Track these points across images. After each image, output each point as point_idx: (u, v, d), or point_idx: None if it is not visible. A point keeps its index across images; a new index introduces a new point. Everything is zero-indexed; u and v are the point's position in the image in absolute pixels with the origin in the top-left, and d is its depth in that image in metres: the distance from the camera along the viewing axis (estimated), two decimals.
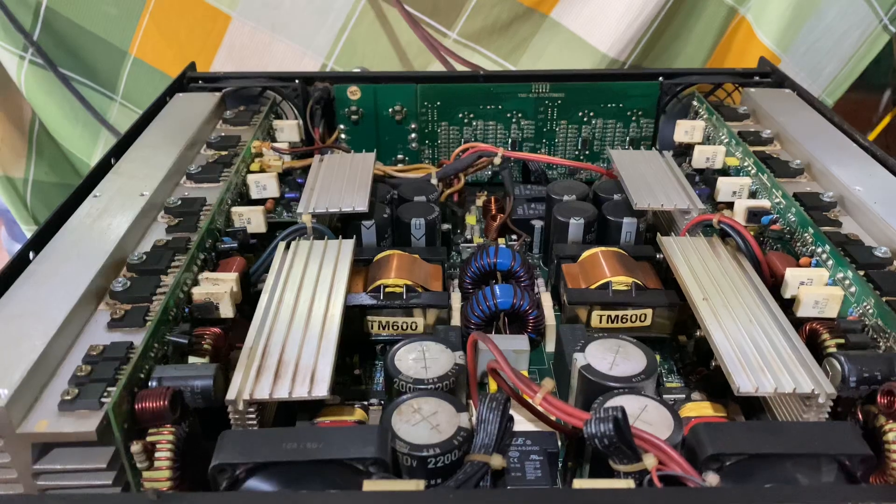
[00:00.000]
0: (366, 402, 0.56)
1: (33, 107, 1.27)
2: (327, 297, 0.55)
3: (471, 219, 0.85)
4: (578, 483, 0.41)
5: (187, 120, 0.80)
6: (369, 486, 0.40)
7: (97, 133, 1.31)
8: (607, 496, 0.36)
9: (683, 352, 0.65)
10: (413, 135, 0.92)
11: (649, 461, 0.42)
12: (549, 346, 0.65)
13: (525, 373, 0.61)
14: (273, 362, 0.48)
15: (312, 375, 0.47)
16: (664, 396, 0.56)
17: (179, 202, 0.65)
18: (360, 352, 0.63)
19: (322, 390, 0.46)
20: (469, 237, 0.81)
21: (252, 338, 0.51)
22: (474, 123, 0.92)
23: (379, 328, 0.63)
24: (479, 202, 0.88)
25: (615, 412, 0.42)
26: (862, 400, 0.49)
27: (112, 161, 0.71)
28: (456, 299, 0.68)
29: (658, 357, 0.63)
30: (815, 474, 0.43)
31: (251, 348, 0.50)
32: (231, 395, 0.46)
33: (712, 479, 0.42)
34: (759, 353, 0.49)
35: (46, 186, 1.37)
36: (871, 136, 1.90)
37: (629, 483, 0.41)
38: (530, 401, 0.47)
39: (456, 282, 0.70)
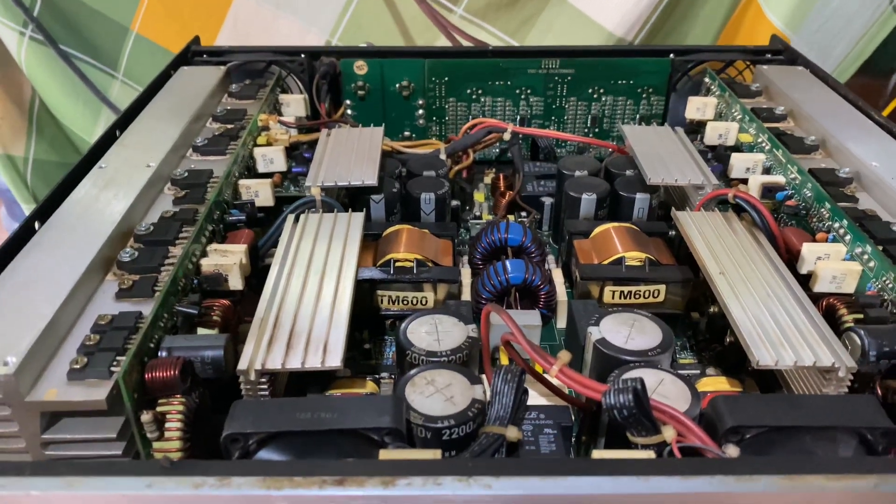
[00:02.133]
0: (377, 376, 0.55)
1: (33, 84, 1.25)
2: (338, 269, 0.54)
3: (479, 196, 0.84)
4: (597, 454, 0.40)
5: (192, 93, 0.79)
6: (385, 455, 0.39)
7: (98, 111, 1.29)
8: (628, 466, 0.35)
9: (696, 328, 0.64)
10: (420, 111, 0.91)
11: (669, 433, 0.42)
12: (561, 322, 0.64)
13: None
14: (285, 333, 0.47)
15: (325, 346, 0.46)
16: (680, 371, 0.55)
17: (186, 174, 0.64)
18: (369, 327, 0.63)
19: (335, 360, 0.45)
20: (478, 214, 0.80)
21: (263, 309, 0.50)
22: (482, 100, 0.90)
23: (389, 303, 0.62)
24: (488, 179, 0.87)
25: (634, 383, 0.42)
26: (881, 374, 0.49)
27: (117, 133, 0.70)
28: (466, 275, 0.67)
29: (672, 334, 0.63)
30: (836, 447, 0.43)
31: (262, 319, 0.49)
32: (243, 364, 0.45)
33: (732, 451, 0.41)
34: (777, 326, 0.49)
35: (47, 165, 1.36)
36: (890, 107, 1.89)
37: (650, 454, 0.40)
38: (546, 373, 0.46)
39: (466, 257, 0.69)
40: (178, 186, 0.63)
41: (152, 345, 0.46)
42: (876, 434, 0.42)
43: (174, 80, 0.83)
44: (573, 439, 0.52)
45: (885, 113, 1.96)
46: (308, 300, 0.51)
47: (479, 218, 0.79)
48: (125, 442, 0.43)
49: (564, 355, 0.47)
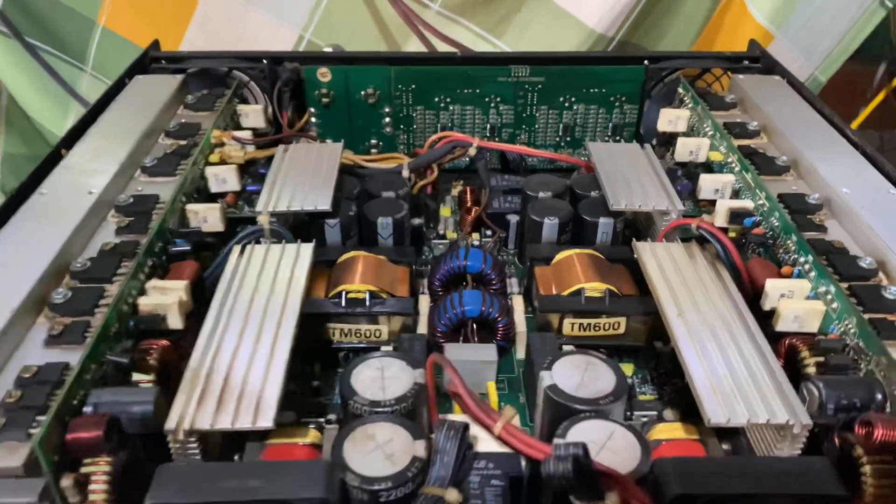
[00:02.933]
0: (322, 420, 0.53)
1: (1, 78, 1.22)
2: (280, 310, 0.52)
3: (445, 210, 0.82)
4: None
5: (146, 106, 0.76)
6: None
7: (67, 105, 1.26)
8: None
9: (660, 359, 0.62)
10: (387, 119, 0.88)
11: (612, 500, 0.40)
12: (521, 352, 0.62)
13: (492, 384, 0.58)
14: (217, 386, 0.45)
15: (258, 404, 0.44)
16: (635, 413, 0.54)
17: (131, 200, 0.62)
18: (321, 359, 0.61)
19: (266, 421, 0.43)
20: (442, 232, 0.78)
21: (197, 357, 0.48)
22: (451, 108, 0.88)
23: (341, 335, 0.60)
24: (455, 192, 0.85)
25: (576, 450, 0.40)
26: (840, 426, 0.47)
27: (62, 152, 0.67)
28: (425, 303, 0.65)
29: (632, 366, 0.61)
30: None
31: (195, 369, 0.47)
32: (171, 423, 0.43)
33: None
34: (733, 377, 0.47)
35: (18, 159, 1.33)
36: (867, 111, 1.87)
37: None
38: (489, 431, 0.45)
39: (426, 281, 0.67)
40: (122, 214, 0.61)
41: (76, 402, 0.44)
42: (827, 501, 0.40)
43: (128, 91, 0.80)
44: (525, 486, 0.50)
45: (874, 103, 1.93)
46: (245, 349, 0.48)
47: (444, 237, 0.77)
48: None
49: (508, 411, 0.45)
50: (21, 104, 1.29)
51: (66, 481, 0.41)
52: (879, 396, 0.46)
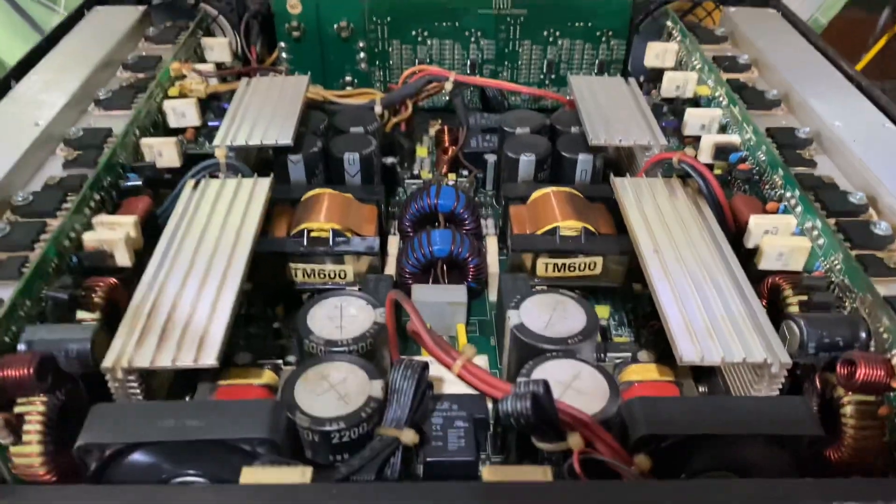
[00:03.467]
0: (281, 361, 0.51)
1: None
2: (231, 247, 0.49)
3: (422, 150, 0.78)
4: (487, 473, 0.36)
5: (103, 37, 0.72)
6: (248, 474, 0.35)
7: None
8: (507, 495, 0.31)
9: (638, 301, 0.59)
10: (362, 54, 0.84)
11: (574, 441, 0.38)
12: (493, 294, 0.60)
13: (462, 326, 0.56)
14: (160, 323, 0.43)
15: (202, 340, 0.41)
16: (609, 354, 0.51)
17: (81, 133, 0.58)
18: (284, 301, 0.58)
19: (210, 358, 0.40)
20: (417, 172, 0.74)
21: (140, 294, 0.45)
22: (429, 42, 0.83)
23: (304, 276, 0.57)
24: (432, 131, 0.81)
25: (536, 387, 0.38)
26: (822, 366, 0.44)
27: (12, 83, 0.64)
28: (395, 244, 0.62)
29: (608, 308, 0.59)
30: (760, 454, 0.39)
31: (137, 307, 0.44)
32: (108, 362, 0.41)
33: (643, 462, 0.37)
34: (709, 316, 0.44)
35: None
36: (867, 57, 1.81)
37: (546, 472, 0.36)
38: (448, 370, 0.42)
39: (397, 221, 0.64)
40: (71, 147, 0.57)
41: (8, 338, 0.41)
42: (803, 441, 0.38)
43: (85, 22, 0.75)
44: (490, 430, 0.48)
45: (876, 48, 1.88)
46: (192, 286, 0.46)
47: (418, 177, 0.73)
48: None
49: (469, 350, 0.42)
50: None
51: None
52: (863, 335, 0.43)
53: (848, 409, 0.41)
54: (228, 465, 0.37)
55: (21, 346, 0.42)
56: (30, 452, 0.40)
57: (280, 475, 0.34)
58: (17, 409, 0.40)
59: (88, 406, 0.43)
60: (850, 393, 0.41)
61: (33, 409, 0.40)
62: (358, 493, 0.32)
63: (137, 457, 0.38)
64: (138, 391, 0.42)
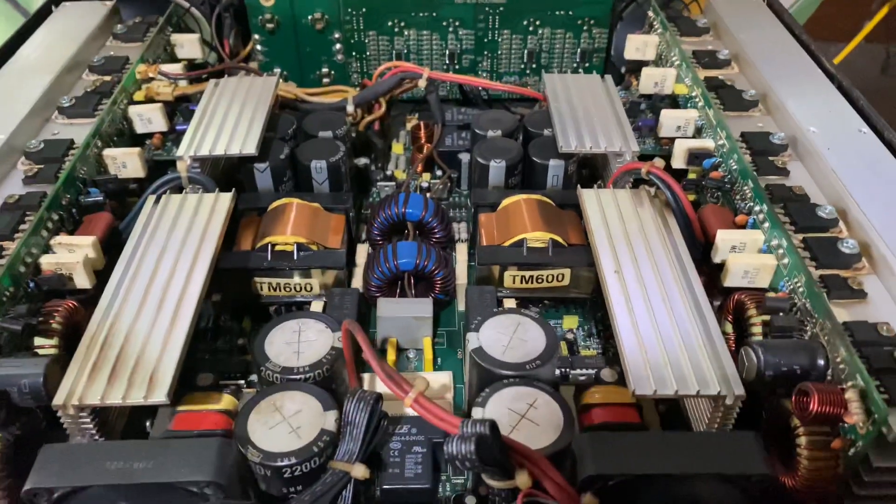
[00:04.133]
0: (244, 381, 0.51)
1: None
2: (188, 270, 0.48)
3: (397, 147, 0.77)
4: None
5: (69, 36, 0.70)
6: None
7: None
8: None
9: (607, 311, 0.59)
10: (338, 45, 0.82)
11: (521, 480, 0.38)
12: (462, 305, 0.59)
13: (428, 340, 0.56)
14: (112, 357, 0.43)
15: (152, 376, 0.41)
16: (573, 371, 0.51)
17: (42, 145, 0.57)
18: (251, 314, 0.58)
19: (160, 395, 0.40)
20: (390, 172, 0.73)
21: (95, 324, 0.45)
22: (406, 33, 0.82)
23: (270, 290, 0.57)
24: (409, 126, 0.80)
25: (482, 429, 0.37)
26: (780, 393, 0.44)
27: None
28: (363, 252, 0.62)
29: (577, 318, 0.58)
30: (710, 492, 0.39)
31: (92, 337, 0.44)
32: (59, 399, 0.41)
33: (590, 502, 0.37)
34: (667, 345, 0.44)
35: None
36: (873, 22, 1.77)
37: None
38: (402, 402, 0.42)
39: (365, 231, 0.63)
40: (31, 161, 0.56)
41: None
42: (751, 481, 0.38)
43: (51, 21, 0.74)
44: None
45: (879, 16, 1.83)
46: (147, 314, 0.45)
47: (392, 178, 0.72)
48: None
49: (420, 383, 0.42)
50: None
51: None
52: (821, 362, 0.43)
53: (803, 440, 0.41)
54: None
55: None
56: None
57: None
58: None
59: (46, 433, 0.44)
60: (804, 423, 0.41)
61: None
62: None
63: (86, 500, 0.38)
64: (91, 426, 0.42)
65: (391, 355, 0.55)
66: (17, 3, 1.21)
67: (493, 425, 0.38)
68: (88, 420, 0.41)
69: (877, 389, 0.38)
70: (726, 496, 0.38)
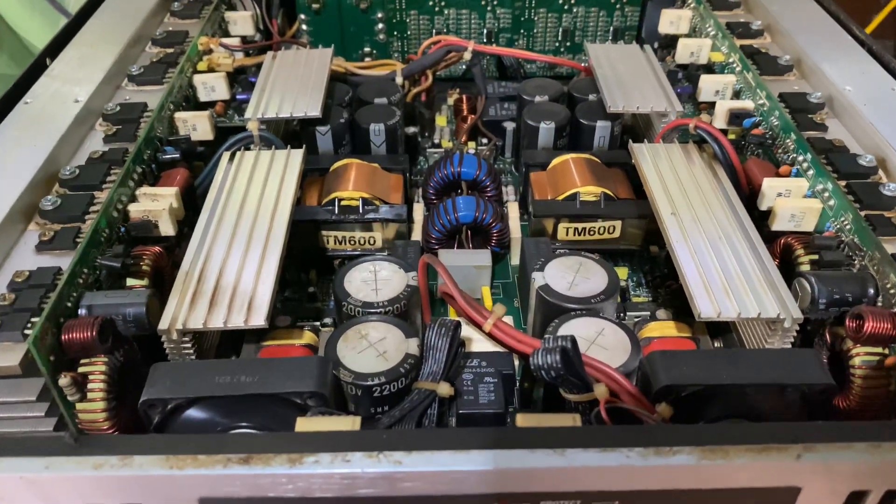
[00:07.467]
0: (318, 323, 0.54)
1: None
2: (271, 215, 0.51)
3: (441, 120, 0.80)
4: (521, 420, 0.39)
5: (131, 13, 0.73)
6: (302, 423, 0.38)
7: (56, 22, 1.24)
8: (543, 438, 0.34)
9: (655, 263, 0.62)
10: (380, 25, 0.86)
11: (600, 391, 0.41)
12: (515, 258, 0.62)
13: (487, 289, 0.59)
14: (209, 287, 0.46)
15: (250, 303, 0.44)
16: (629, 313, 0.54)
17: (118, 108, 0.60)
18: (317, 267, 0.61)
19: (259, 319, 0.43)
20: (437, 141, 0.76)
21: (189, 261, 0.48)
22: (446, 12, 0.85)
23: (335, 243, 0.60)
24: (451, 100, 0.83)
25: (564, 342, 0.40)
26: (831, 321, 0.47)
27: (47, 61, 0.66)
28: (419, 210, 0.65)
29: (626, 269, 0.61)
30: (774, 403, 0.42)
31: (187, 272, 0.47)
32: (164, 324, 0.44)
33: (664, 410, 0.40)
34: (725, 274, 0.47)
35: (9, 79, 1.31)
36: (882, 14, 1.80)
37: (574, 419, 0.39)
38: (480, 329, 0.45)
39: (421, 190, 0.66)
40: (109, 122, 0.60)
41: (69, 303, 0.44)
42: (814, 390, 0.41)
43: (109, 1, 0.77)
44: (517, 385, 0.51)
45: (890, 7, 1.86)
46: (237, 250, 0.48)
47: (438, 146, 0.76)
48: (48, 403, 0.42)
49: (499, 309, 0.45)
50: (9, 22, 1.26)
51: (64, 380, 0.41)
52: (871, 291, 0.46)
53: (856, 361, 0.44)
54: (279, 417, 0.40)
55: (82, 311, 0.45)
56: (94, 409, 0.43)
57: (332, 424, 0.37)
58: (81, 369, 0.43)
59: (142, 366, 0.46)
60: (858, 345, 0.44)
61: (96, 369, 0.43)
62: (407, 438, 0.35)
63: (196, 410, 0.41)
64: (191, 351, 0.45)
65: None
66: (55, 2, 1.24)
67: (573, 340, 0.41)
68: (190, 345, 0.44)
69: None
70: (789, 407, 0.41)
